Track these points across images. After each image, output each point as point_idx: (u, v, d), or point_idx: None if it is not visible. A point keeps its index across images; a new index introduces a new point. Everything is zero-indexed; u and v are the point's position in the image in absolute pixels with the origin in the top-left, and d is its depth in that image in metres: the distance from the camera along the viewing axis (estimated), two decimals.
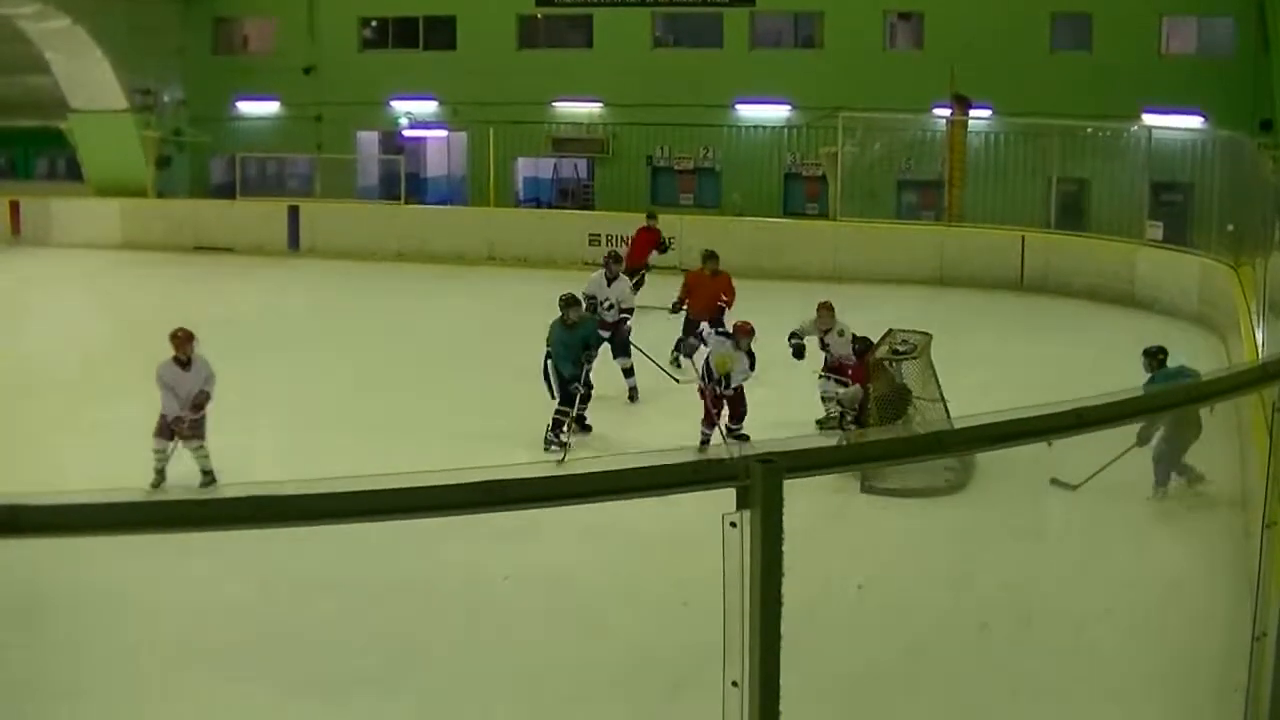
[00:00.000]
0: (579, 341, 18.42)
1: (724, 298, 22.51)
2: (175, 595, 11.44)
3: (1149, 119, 33.40)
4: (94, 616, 11.34)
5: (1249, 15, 34.41)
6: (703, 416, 17.46)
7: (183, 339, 16.29)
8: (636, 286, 27.18)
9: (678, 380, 20.32)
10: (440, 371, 22.39)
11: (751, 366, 17.56)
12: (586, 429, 18.77)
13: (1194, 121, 33.72)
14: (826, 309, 18.86)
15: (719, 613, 3.08)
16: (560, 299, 18.88)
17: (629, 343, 20.80)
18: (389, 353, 23.98)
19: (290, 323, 27.35)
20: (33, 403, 19.44)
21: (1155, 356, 16.01)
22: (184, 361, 16.17)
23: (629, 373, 20.56)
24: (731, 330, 17.89)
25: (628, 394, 20.45)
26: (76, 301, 30.71)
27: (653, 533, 9.00)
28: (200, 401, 16.03)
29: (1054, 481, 13.35)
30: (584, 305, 19.84)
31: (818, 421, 18.23)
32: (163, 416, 15.95)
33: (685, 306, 22.45)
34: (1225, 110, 32.68)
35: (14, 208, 40.46)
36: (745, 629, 3.03)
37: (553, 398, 18.16)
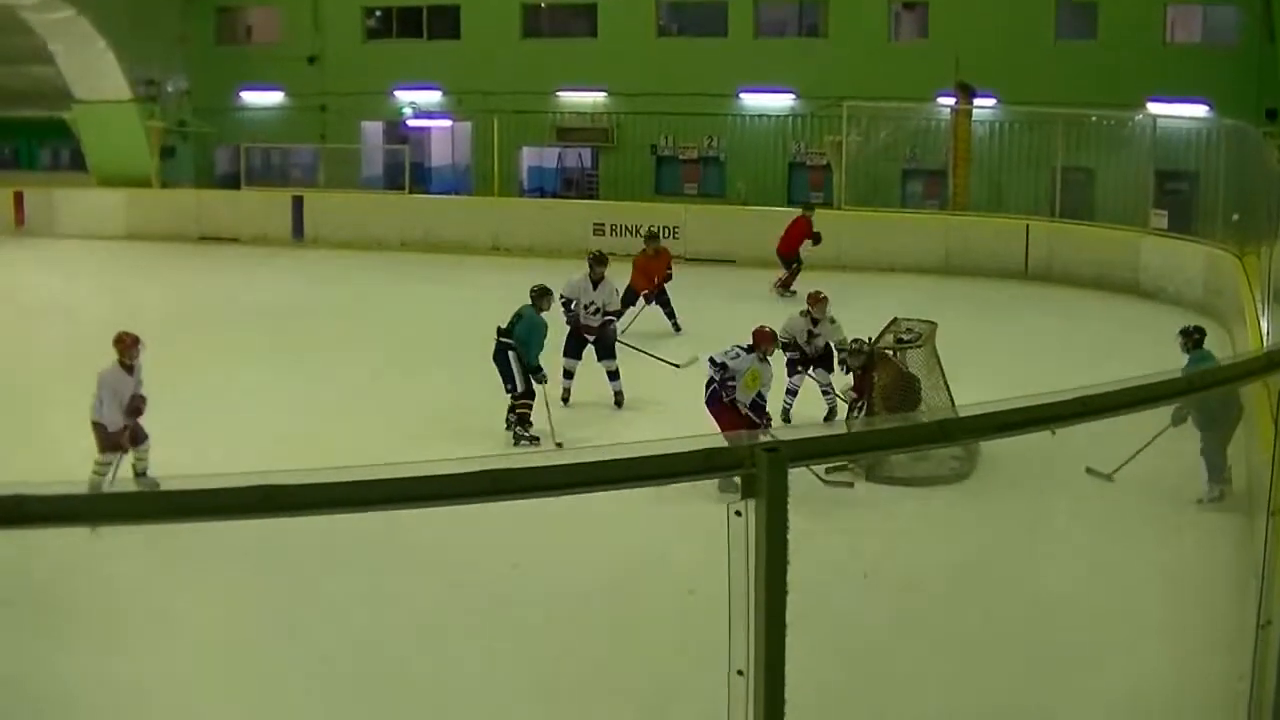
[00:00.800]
0: (544, 333, 18.45)
1: (667, 271, 25.92)
2: (173, 580, 11.44)
3: (1154, 108, 33.39)
4: (77, 605, 11.35)
5: (1254, 4, 34.40)
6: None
7: (130, 343, 15.65)
8: (792, 277, 27.46)
9: (678, 366, 19.91)
10: (444, 361, 22.37)
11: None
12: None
13: (1199, 110, 33.70)
14: (821, 300, 18.81)
15: (724, 601, 3.09)
16: (534, 289, 18.84)
17: (615, 345, 20.18)
18: (394, 343, 23.97)
19: (295, 313, 27.32)
20: (36, 393, 19.44)
21: (1191, 336, 16.03)
22: (129, 367, 15.54)
23: (614, 375, 19.81)
24: (752, 341, 16.48)
25: (614, 399, 19.70)
26: (81, 292, 30.68)
27: (659, 521, 8.99)
28: (138, 406, 15.40)
29: (1089, 470, 13.38)
30: (566, 307, 19.95)
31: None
32: (107, 430, 15.22)
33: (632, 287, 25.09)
34: (1230, 99, 32.62)
35: (18, 198, 40.45)
36: (751, 618, 3.04)
37: (509, 389, 17.98)
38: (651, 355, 20.43)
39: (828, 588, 10.52)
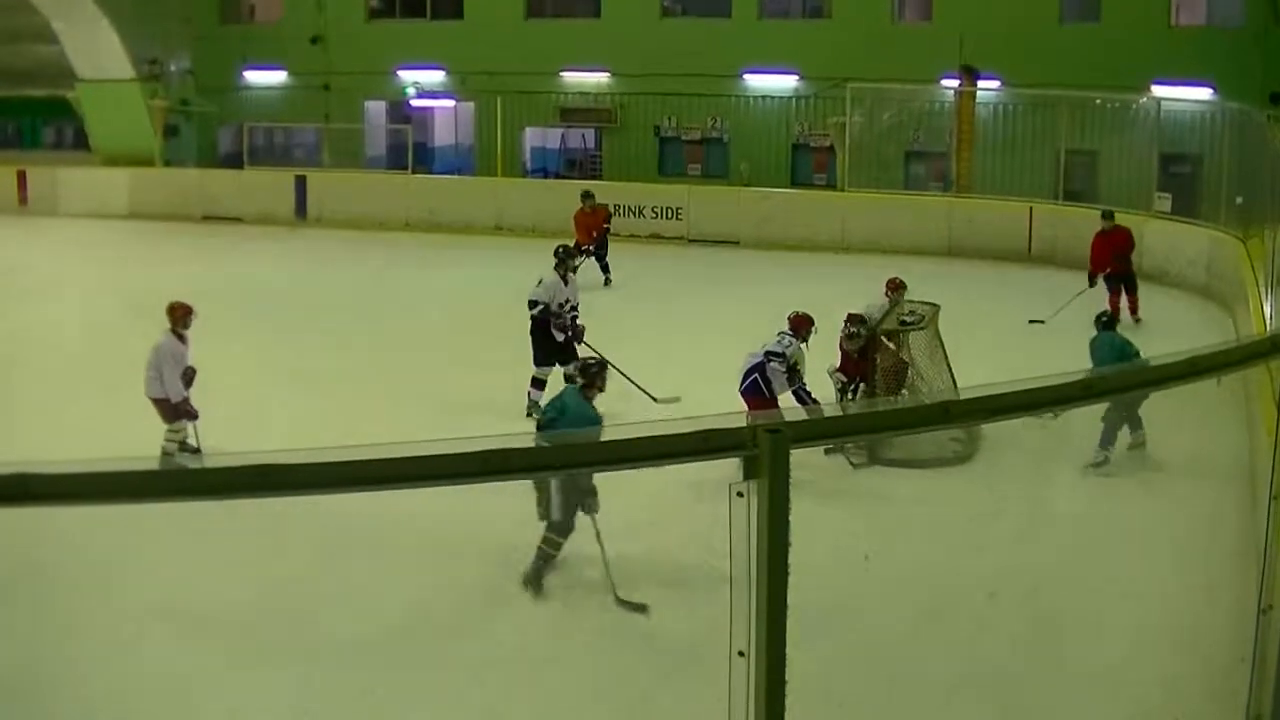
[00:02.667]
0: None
1: (605, 225, 28.71)
2: (173, 560, 11.45)
3: (1158, 90, 33.32)
4: (63, 585, 11.36)
5: None
6: None
7: (184, 312, 15.76)
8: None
9: (656, 400, 18.13)
10: (448, 341, 22.40)
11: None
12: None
13: (1203, 93, 33.63)
14: (900, 287, 18.60)
15: (726, 582, 3.08)
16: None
17: (577, 346, 18.37)
18: (396, 323, 23.99)
19: (298, 292, 27.33)
20: (39, 372, 19.47)
21: (1102, 322, 16.61)
22: (183, 336, 15.62)
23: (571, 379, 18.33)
24: (793, 326, 16.06)
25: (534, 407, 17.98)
26: (84, 271, 30.68)
27: (661, 501, 9.00)
28: (191, 377, 15.55)
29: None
30: (539, 313, 18.29)
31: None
32: (171, 402, 15.34)
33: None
34: (1234, 82, 32.56)
35: (21, 177, 40.45)
36: (752, 599, 3.03)
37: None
38: (634, 383, 18.07)
39: (830, 569, 10.54)
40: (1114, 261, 24.09)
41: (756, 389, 15.60)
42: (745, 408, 15.31)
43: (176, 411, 15.42)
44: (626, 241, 29.47)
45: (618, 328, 20.66)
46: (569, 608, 11.21)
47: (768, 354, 15.69)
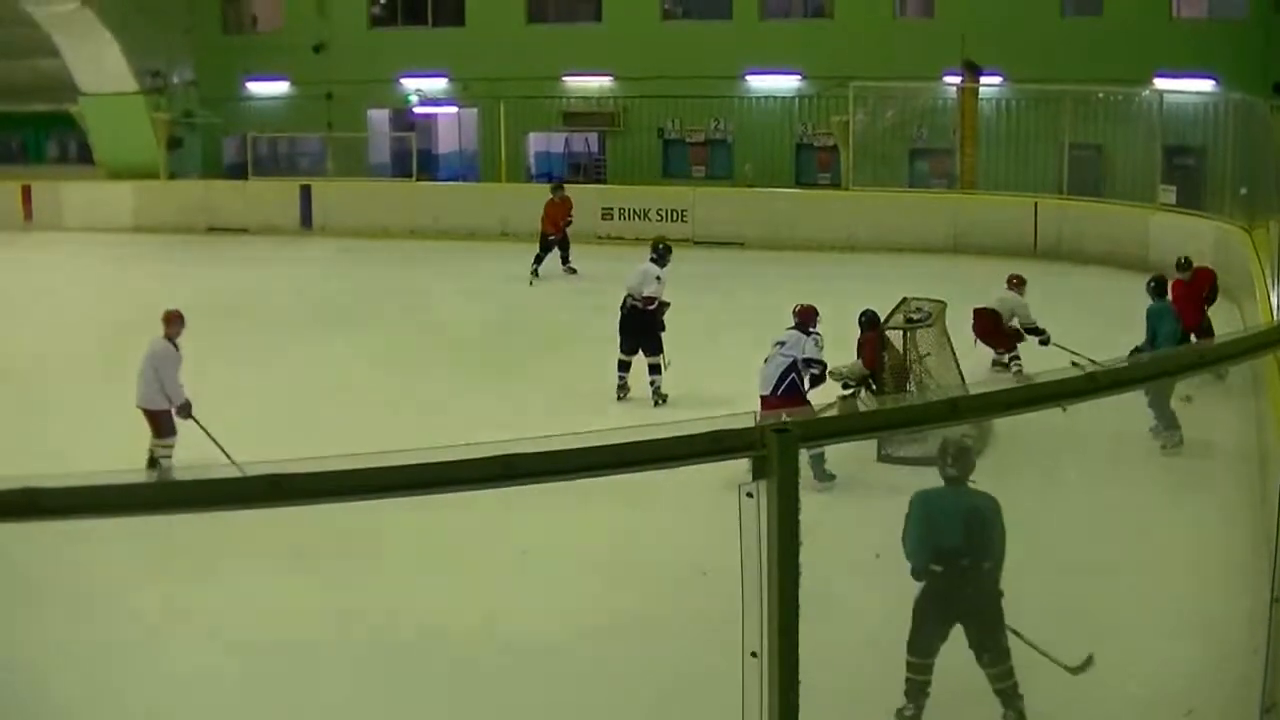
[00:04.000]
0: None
1: (568, 217, 30.14)
2: (168, 567, 11.47)
3: (1161, 83, 33.25)
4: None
5: None
6: None
7: (179, 319, 15.84)
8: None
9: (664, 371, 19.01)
10: (456, 348, 22.43)
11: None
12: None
13: (1206, 85, 33.59)
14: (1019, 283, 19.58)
15: (738, 583, 3.09)
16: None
17: (658, 339, 19.11)
18: (404, 330, 24.02)
19: (305, 302, 27.34)
20: (45, 387, 19.49)
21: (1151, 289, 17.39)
22: (176, 344, 15.69)
23: (655, 369, 18.99)
24: (802, 319, 16.19)
25: (652, 395, 18.93)
26: (89, 285, 30.69)
27: (670, 503, 9.00)
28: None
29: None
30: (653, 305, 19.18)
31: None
32: (168, 413, 15.38)
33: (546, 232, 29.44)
34: (1237, 73, 32.53)
35: (25, 192, 40.43)
36: (763, 599, 3.04)
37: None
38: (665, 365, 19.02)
39: (841, 568, 10.53)
40: (1200, 312, 19.87)
41: (794, 390, 15.60)
42: (762, 408, 15.12)
43: (171, 422, 15.41)
44: (633, 245, 29.39)
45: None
46: (578, 615, 11.22)
47: (805, 361, 15.70)
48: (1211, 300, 20.51)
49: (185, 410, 15.42)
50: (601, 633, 10.87)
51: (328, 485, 2.64)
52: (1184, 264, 20.64)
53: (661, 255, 20.06)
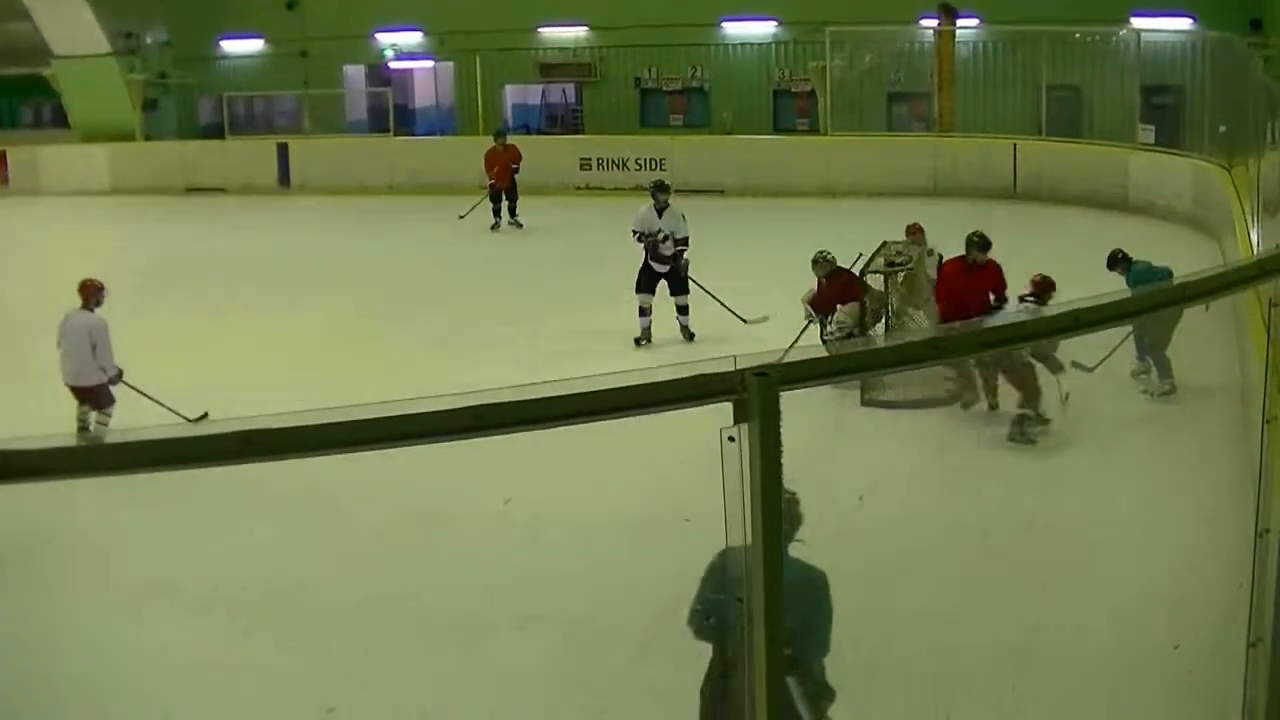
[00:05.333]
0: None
1: (515, 164, 30.21)
2: (157, 530, 11.46)
3: (1138, 22, 33.20)
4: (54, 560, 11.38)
5: None
6: None
7: (97, 289, 15.37)
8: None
9: (746, 320, 19.37)
10: (439, 301, 22.40)
11: None
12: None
13: (1183, 23, 33.53)
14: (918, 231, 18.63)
15: (722, 528, 3.08)
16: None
17: (688, 278, 19.56)
18: (385, 286, 23.96)
19: (284, 260, 27.27)
20: (19, 352, 19.43)
21: (1118, 260, 16.39)
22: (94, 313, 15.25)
23: (684, 310, 19.43)
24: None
25: (682, 333, 19.43)
26: (67, 249, 30.58)
27: (652, 448, 8.99)
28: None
29: (1074, 364, 13.56)
30: (637, 240, 19.46)
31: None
32: (103, 385, 15.10)
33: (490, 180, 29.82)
34: (1214, 11, 32.48)
35: (1, 157, 40.28)
36: (747, 543, 3.03)
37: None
38: (723, 304, 19.61)
39: (824, 512, 10.54)
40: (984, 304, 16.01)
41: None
42: None
43: (110, 392, 15.14)
44: (611, 195, 29.39)
45: (612, 280, 20.64)
46: (561, 565, 11.22)
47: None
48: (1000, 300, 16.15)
49: (119, 377, 15.15)
50: (585, 579, 10.87)
51: (302, 441, 2.62)
52: (979, 242, 16.38)
53: (668, 192, 20.22)
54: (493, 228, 29.73)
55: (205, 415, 14.44)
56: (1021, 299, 15.59)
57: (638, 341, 19.14)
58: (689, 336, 19.37)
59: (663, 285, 19.48)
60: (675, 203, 19.99)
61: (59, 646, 9.96)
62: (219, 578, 11.16)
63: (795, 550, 6.48)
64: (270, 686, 9.45)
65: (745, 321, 19.37)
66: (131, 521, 10.96)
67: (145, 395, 15.02)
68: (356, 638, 10.08)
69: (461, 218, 29.19)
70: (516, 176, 30.31)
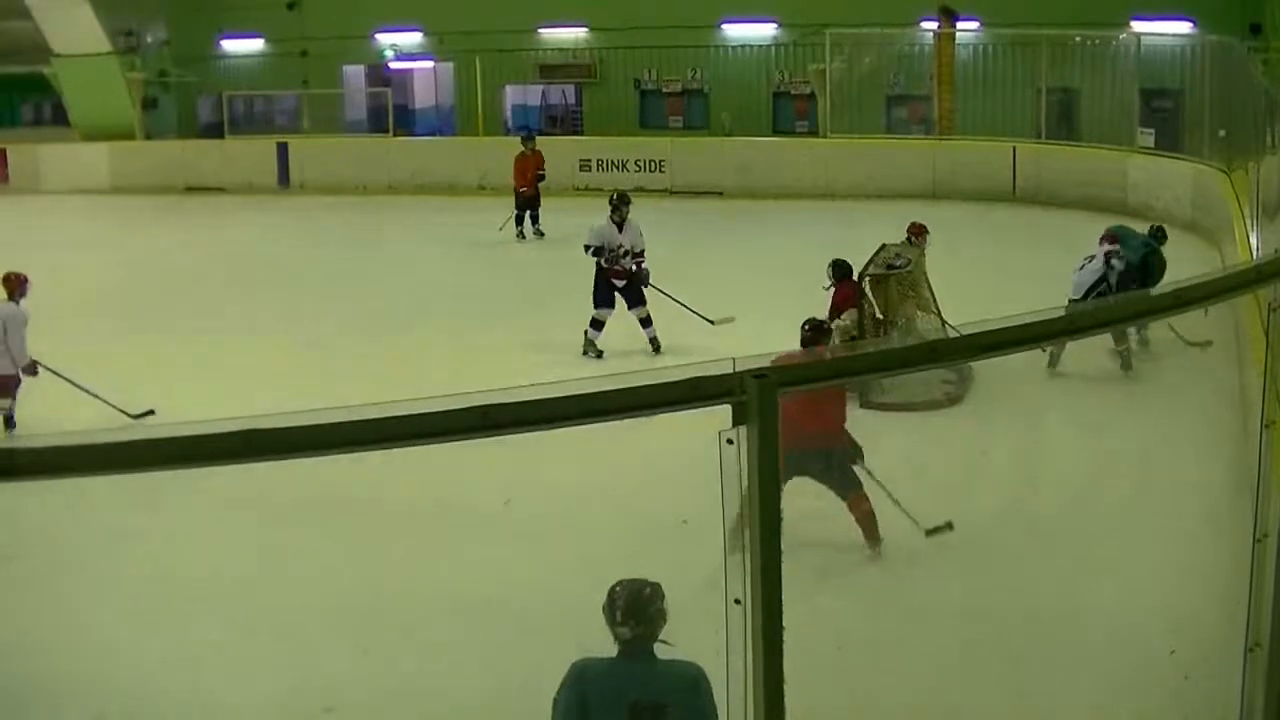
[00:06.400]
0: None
1: (541, 169, 29.52)
2: (149, 526, 11.45)
3: (1138, 26, 33.23)
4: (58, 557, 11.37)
5: None
6: None
7: (20, 281, 15.80)
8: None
9: (712, 322, 19.34)
10: (437, 302, 22.39)
11: None
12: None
13: (1183, 27, 33.55)
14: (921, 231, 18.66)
15: (719, 530, 3.08)
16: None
17: (652, 287, 19.31)
18: (385, 287, 23.94)
19: (283, 258, 27.28)
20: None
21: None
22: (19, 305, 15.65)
23: (647, 322, 19.06)
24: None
25: (650, 345, 18.99)
26: (68, 247, 30.58)
27: (651, 450, 8.98)
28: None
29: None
30: (593, 255, 19.12)
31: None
32: (15, 375, 15.46)
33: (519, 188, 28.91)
34: (1214, 15, 32.49)
35: (1, 156, 40.27)
36: (745, 545, 3.03)
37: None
38: (685, 306, 19.57)
39: (822, 513, 10.55)
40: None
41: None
42: None
43: (15, 383, 15.44)
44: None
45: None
46: (560, 566, 11.22)
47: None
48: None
49: (31, 369, 15.46)
50: (584, 581, 10.86)
51: (304, 440, 2.62)
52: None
53: (629, 205, 19.76)
54: (519, 236, 29.21)
55: (151, 412, 14.71)
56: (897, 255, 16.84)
57: (594, 354, 18.96)
58: (657, 348, 18.93)
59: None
60: (633, 215, 19.64)
61: (58, 645, 9.96)
62: (218, 578, 11.15)
63: (664, 652, 6.25)
64: (270, 686, 9.44)
65: (712, 323, 19.31)
66: (130, 520, 10.94)
67: (72, 381, 15.44)
68: (356, 637, 10.07)
69: (500, 229, 28.81)
70: (541, 184, 29.73)
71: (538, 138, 31.74)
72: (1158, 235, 18.56)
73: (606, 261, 19.08)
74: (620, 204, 19.55)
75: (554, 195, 30.24)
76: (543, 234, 29.16)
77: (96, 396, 15.21)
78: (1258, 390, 11.73)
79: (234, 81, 42.93)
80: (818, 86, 35.52)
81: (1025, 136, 32.41)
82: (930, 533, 10.50)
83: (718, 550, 3.10)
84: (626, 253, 19.16)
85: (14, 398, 15.43)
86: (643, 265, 19.21)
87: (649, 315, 19.07)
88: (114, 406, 15.16)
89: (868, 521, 10.98)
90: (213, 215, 34.17)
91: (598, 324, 18.99)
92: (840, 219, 27.08)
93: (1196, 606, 9.33)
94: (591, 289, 19.06)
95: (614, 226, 19.31)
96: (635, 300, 19.05)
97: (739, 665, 3.13)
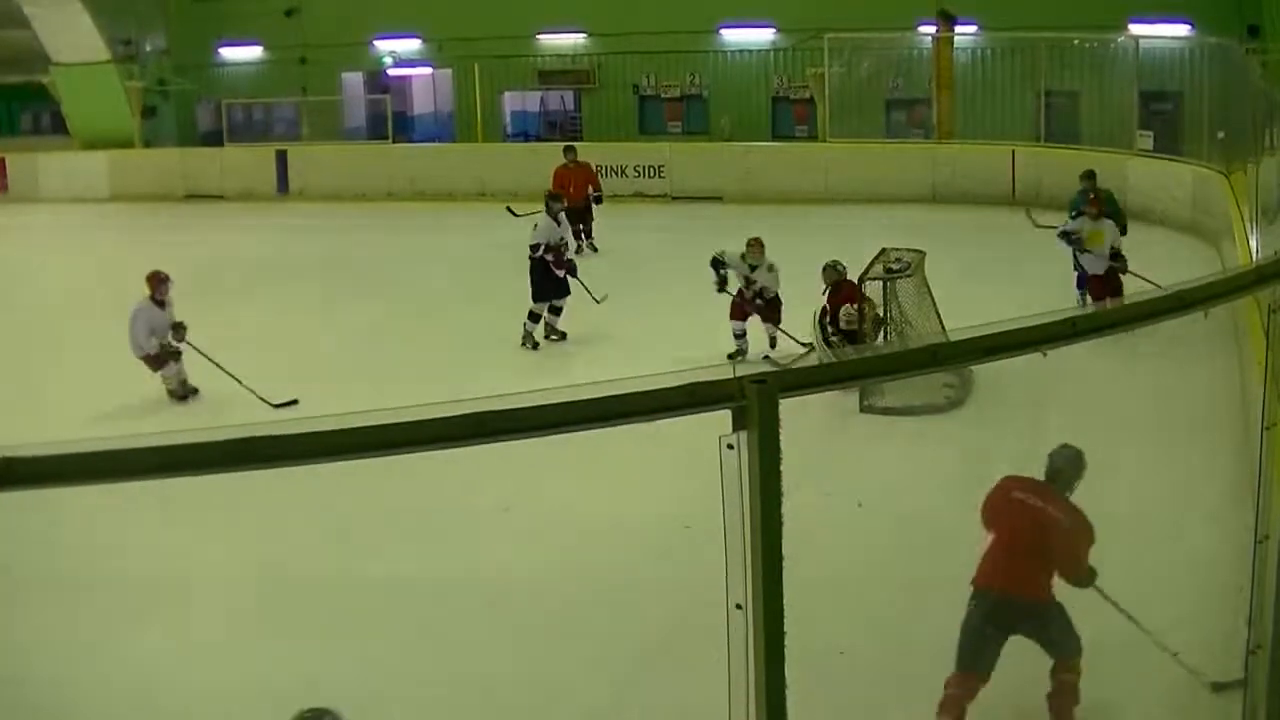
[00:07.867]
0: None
1: (595, 187, 27.80)
2: (150, 531, 11.44)
3: (1136, 29, 33.23)
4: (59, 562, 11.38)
5: None
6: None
7: (159, 280, 17.48)
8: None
9: (597, 300, 20.56)
10: (436, 309, 22.39)
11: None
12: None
13: (1181, 30, 33.56)
14: (758, 245, 18.63)
15: (720, 536, 3.07)
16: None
17: (574, 278, 20.42)
18: (386, 294, 23.94)
19: (285, 268, 27.28)
20: (27, 358, 19.42)
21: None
22: (160, 302, 17.37)
23: (559, 310, 20.14)
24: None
25: (552, 332, 20.15)
26: (67, 256, 30.62)
27: (651, 457, 8.98)
28: (182, 333, 17.34)
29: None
30: (542, 253, 19.82)
31: (729, 355, 18.16)
32: (150, 356, 17.18)
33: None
34: (1212, 17, 32.51)
35: (1, 164, 40.33)
36: (747, 551, 3.02)
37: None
38: (583, 284, 20.59)
39: (824, 519, 10.55)
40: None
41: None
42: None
43: (158, 361, 17.12)
44: (610, 201, 29.31)
45: (607, 288, 20.74)
46: (561, 572, 11.22)
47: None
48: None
49: (158, 359, 17.28)
50: (585, 588, 10.87)
51: (300, 447, 2.62)
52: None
53: (562, 202, 21.16)
54: (575, 252, 26.29)
55: (295, 401, 15.94)
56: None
57: (533, 345, 19.76)
58: (561, 336, 20.06)
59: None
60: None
61: (56, 648, 9.95)
62: (218, 579, 11.15)
63: None
64: (269, 686, 9.43)
65: (597, 301, 20.55)
66: (129, 521, 10.94)
67: (227, 372, 16.83)
68: (355, 641, 10.07)
69: (518, 215, 27.48)
70: (596, 203, 27.72)
71: (577, 147, 29.96)
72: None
73: (553, 257, 19.93)
74: (553, 201, 20.79)
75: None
76: (596, 248, 27.40)
77: (240, 383, 16.45)
78: (1258, 392, 11.74)
79: (233, 89, 42.96)
80: (817, 91, 35.53)
81: (1025, 140, 32.42)
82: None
83: (719, 554, 3.09)
84: (567, 245, 20.69)
85: (171, 369, 17.23)
86: (569, 259, 20.51)
87: (563, 306, 20.15)
88: (259, 396, 16.18)
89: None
90: (211, 223, 34.17)
91: (535, 317, 19.79)
92: (840, 223, 27.04)
93: (1198, 609, 9.33)
94: (529, 284, 19.88)
95: (554, 222, 20.28)
96: (563, 291, 20.09)
97: (740, 671, 3.12)
